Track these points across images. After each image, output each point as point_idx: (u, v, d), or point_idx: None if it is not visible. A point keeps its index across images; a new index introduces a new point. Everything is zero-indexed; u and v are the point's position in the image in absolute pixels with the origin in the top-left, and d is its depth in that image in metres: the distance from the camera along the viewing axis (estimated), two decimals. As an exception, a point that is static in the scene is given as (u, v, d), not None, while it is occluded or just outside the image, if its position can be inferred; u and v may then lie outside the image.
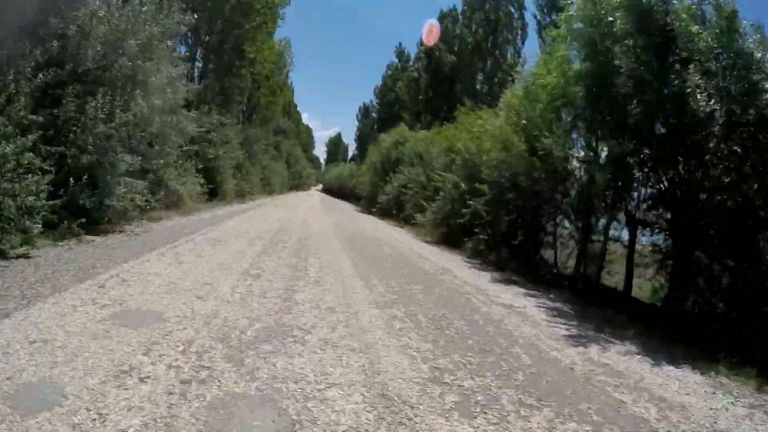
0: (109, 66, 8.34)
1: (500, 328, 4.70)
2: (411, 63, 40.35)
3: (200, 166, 15.09)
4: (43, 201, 6.11)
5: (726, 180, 6.22)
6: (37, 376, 2.58)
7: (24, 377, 2.55)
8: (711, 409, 3.37)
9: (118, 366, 2.80)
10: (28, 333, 3.15)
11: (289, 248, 7.97)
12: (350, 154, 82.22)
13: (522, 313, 5.55)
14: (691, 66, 6.48)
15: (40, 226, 6.08)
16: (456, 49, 30.60)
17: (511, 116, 9.35)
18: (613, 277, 9.23)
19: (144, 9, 8.83)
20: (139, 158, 8.85)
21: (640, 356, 4.45)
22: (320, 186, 68.46)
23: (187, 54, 20.81)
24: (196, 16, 17.08)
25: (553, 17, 22.64)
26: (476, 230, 10.70)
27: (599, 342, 4.78)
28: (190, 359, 2.95)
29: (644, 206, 7.93)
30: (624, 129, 7.70)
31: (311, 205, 26.47)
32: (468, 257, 10.39)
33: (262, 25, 23.67)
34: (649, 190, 7.90)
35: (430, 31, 32.84)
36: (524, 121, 9.19)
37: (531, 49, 35.27)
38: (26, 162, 6.14)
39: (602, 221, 8.71)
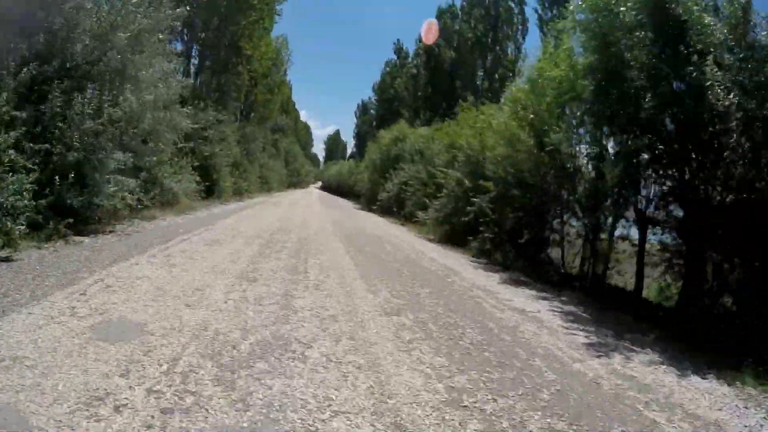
0: (97, 60, 7.97)
1: (517, 337, 4.36)
2: (410, 60, 39.93)
3: (196, 164, 14.71)
4: (27, 201, 5.76)
5: (745, 176, 5.99)
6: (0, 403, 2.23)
7: (-17, 405, 2.20)
8: (746, 426, 3.13)
9: (91, 391, 2.45)
10: (-4, 349, 2.80)
11: (288, 248, 7.61)
12: (349, 151, 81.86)
13: (537, 319, 5.22)
14: (709, 58, 6.28)
15: (24, 227, 5.73)
16: (455, 45, 30.22)
17: (519, 111, 8.98)
18: (622, 276, 8.90)
19: (133, 1, 8.44)
20: (131, 155, 8.48)
21: (665, 366, 4.18)
22: (319, 184, 68.20)
23: (183, 50, 20.49)
24: (188, 9, 16.79)
25: (555, 12, 22.42)
26: (481, 228, 10.39)
27: (621, 350, 4.50)
28: (173, 382, 2.58)
29: (653, 204, 7.66)
30: (636, 124, 7.39)
31: (310, 203, 26.10)
32: (473, 256, 10.06)
33: (259, 21, 23.28)
34: (659, 188, 7.60)
35: (428, 30, 32.54)
36: (532, 116, 8.83)
37: (531, 44, 34.95)
38: (8, 160, 5.81)
39: (611, 219, 8.38)
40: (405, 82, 37.66)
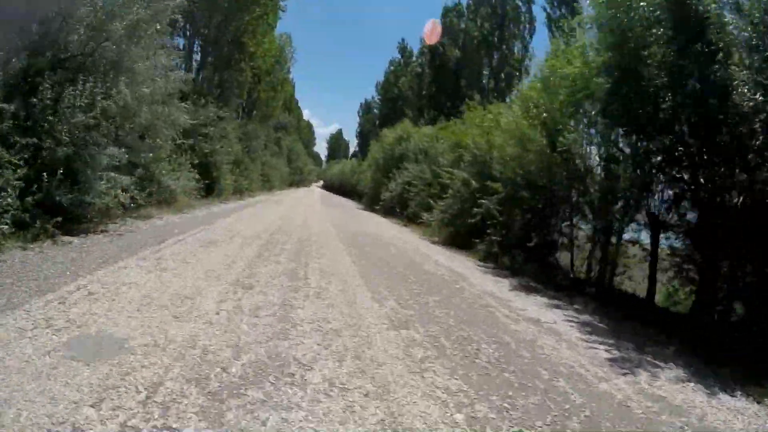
0: (92, 51, 7.62)
1: (536, 353, 4.00)
2: (414, 59, 39.62)
3: (196, 161, 14.33)
4: (11, 198, 5.42)
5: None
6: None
7: None
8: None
9: (57, 424, 2.09)
10: (-45, 370, 2.44)
11: (288, 251, 7.23)
12: (351, 150, 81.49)
13: (554, 331, 4.88)
14: (735, 56, 6.02)
15: (8, 226, 5.39)
16: (461, 43, 29.82)
17: (531, 109, 8.60)
18: (632, 281, 8.64)
19: (131, -11, 8.09)
20: (125, 151, 8.11)
21: (692, 384, 3.91)
22: (321, 182, 67.98)
23: (185, 46, 20.15)
24: (191, 3, 16.45)
25: (564, 11, 22.01)
26: (488, 231, 10.04)
27: (645, 366, 4.20)
28: (151, 415, 2.22)
29: (665, 207, 7.49)
30: (653, 124, 7.01)
31: (312, 202, 25.75)
32: (479, 260, 9.71)
33: (263, 16, 22.91)
34: (674, 191, 7.36)
35: (431, 31, 32.22)
36: (545, 114, 8.46)
37: (539, 44, 34.45)
38: (-9, 154, 5.47)
39: (620, 223, 8.16)
40: (409, 81, 37.36)
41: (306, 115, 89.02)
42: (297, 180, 49.74)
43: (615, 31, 7.51)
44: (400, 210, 18.64)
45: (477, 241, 10.35)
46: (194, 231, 8.19)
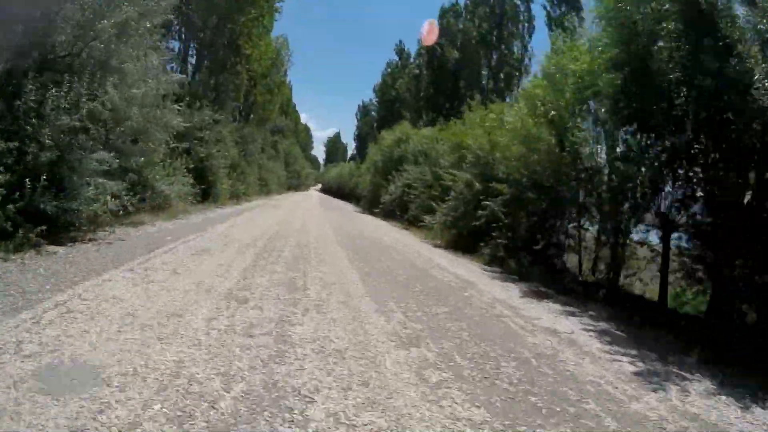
0: (79, 52, 7.27)
1: (558, 369, 3.66)
2: (411, 60, 39.31)
3: (191, 166, 14.00)
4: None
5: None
6: None
7: None
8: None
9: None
10: None
11: (285, 258, 6.86)
12: (349, 153, 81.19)
13: (573, 342, 4.54)
14: (752, 49, 5.77)
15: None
16: (459, 44, 29.54)
17: (538, 107, 8.28)
18: (641, 282, 8.42)
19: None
20: (115, 156, 7.75)
21: (723, 397, 3.67)
22: (319, 186, 67.71)
23: (180, 49, 19.84)
24: (187, 7, 16.14)
25: (564, 9, 21.78)
26: (493, 234, 9.71)
27: (672, 379, 3.93)
28: (122, 468, 1.85)
29: (677, 207, 7.27)
30: (666, 121, 6.77)
31: (310, 206, 25.37)
32: (485, 264, 9.38)
33: (258, 18, 22.63)
34: (688, 190, 7.16)
35: (429, 32, 32.00)
36: (553, 112, 8.14)
37: (538, 43, 34.12)
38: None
39: (629, 223, 7.92)
40: (407, 83, 37.04)
41: (303, 118, 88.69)
42: (295, 184, 49.38)
43: (625, 25, 7.28)
44: (400, 213, 18.32)
45: (482, 244, 10.02)
46: (187, 238, 7.82)
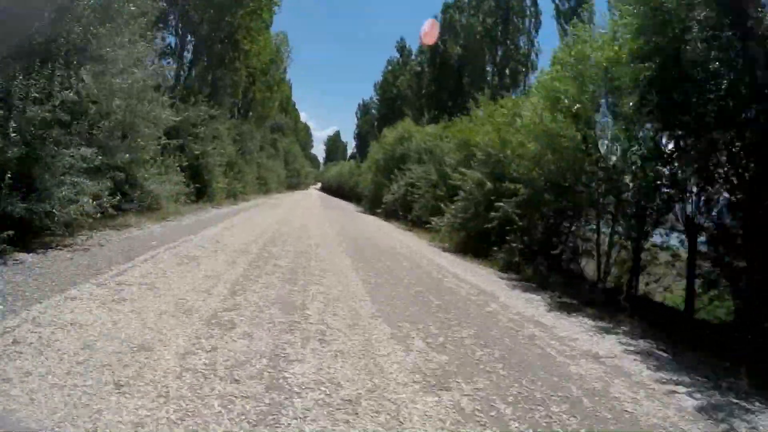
0: (55, 37, 6.54)
1: (615, 409, 3.07)
2: (413, 57, 38.57)
3: (185, 164, 13.24)
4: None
5: None
6: None
7: None
8: None
9: None
10: None
11: (283, 268, 6.10)
12: (349, 152, 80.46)
13: (619, 370, 3.92)
14: None
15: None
16: (462, 40, 28.77)
17: (561, 99, 7.57)
18: (664, 289, 7.98)
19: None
20: (97, 152, 7.03)
21: None
22: (319, 185, 67.14)
23: (177, 43, 19.11)
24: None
25: (573, 2, 21.04)
26: (507, 238, 9.02)
27: (736, 413, 3.49)
28: None
29: (704, 209, 6.87)
30: (706, 117, 6.16)
31: (310, 206, 24.65)
32: (500, 270, 8.70)
33: (257, 11, 21.88)
34: (712, 192, 6.72)
35: (428, 31, 31.31)
36: (578, 105, 7.44)
37: (545, 38, 33.24)
38: None
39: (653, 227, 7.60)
40: (408, 80, 36.34)
41: (303, 117, 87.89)
42: (294, 183, 48.72)
43: (656, 11, 6.66)
44: (403, 213, 17.65)
45: (495, 249, 9.32)
46: (174, 243, 7.07)
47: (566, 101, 7.47)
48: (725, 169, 6.42)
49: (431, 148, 17.20)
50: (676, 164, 7.02)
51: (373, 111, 52.78)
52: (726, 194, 6.55)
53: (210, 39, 19.79)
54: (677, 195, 6.96)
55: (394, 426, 2.35)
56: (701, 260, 6.64)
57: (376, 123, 44.92)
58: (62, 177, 6.30)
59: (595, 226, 8.80)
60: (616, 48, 7.20)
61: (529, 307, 5.79)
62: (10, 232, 5.30)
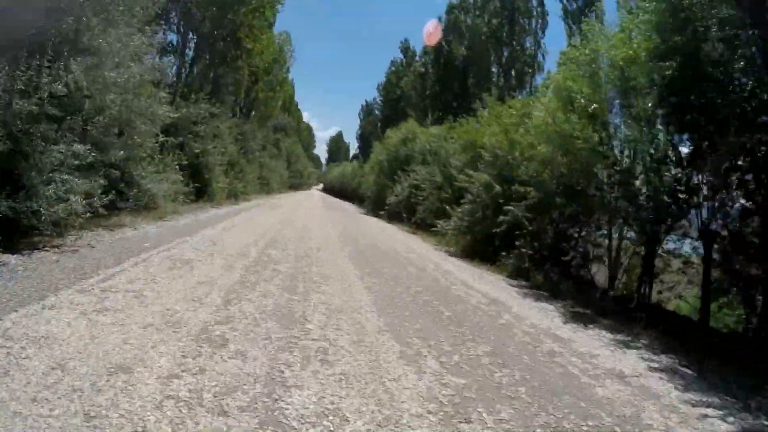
0: (45, 26, 6.21)
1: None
2: (417, 58, 38.23)
3: (184, 162, 12.92)
4: None
5: None
6: None
7: None
8: None
9: None
10: None
11: (282, 274, 5.74)
12: (352, 153, 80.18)
13: (647, 391, 3.61)
14: None
15: None
16: (467, 40, 28.40)
17: (577, 99, 7.23)
18: (678, 298, 7.81)
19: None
20: (90, 148, 6.71)
21: None
22: (321, 185, 66.89)
23: (179, 41, 18.81)
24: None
25: (580, 2, 20.69)
26: (517, 243, 8.67)
27: None
28: None
29: (720, 216, 6.53)
30: (729, 119, 5.91)
31: (311, 206, 24.30)
32: (509, 277, 8.35)
33: (259, 9, 21.58)
34: (727, 198, 6.51)
35: (431, 32, 31.10)
36: (595, 105, 7.10)
37: (551, 39, 32.77)
38: None
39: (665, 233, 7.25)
40: (412, 81, 35.99)
41: (305, 117, 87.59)
42: (297, 183, 48.45)
43: (677, 8, 6.38)
44: (406, 215, 17.30)
45: (503, 254, 8.97)
46: (168, 245, 6.71)
47: (582, 101, 7.10)
48: (741, 173, 6.17)
49: (436, 150, 16.88)
50: (692, 168, 6.74)
51: (376, 112, 52.54)
52: (742, 200, 6.34)
53: (212, 37, 19.53)
54: (693, 200, 6.66)
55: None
56: (720, 269, 6.38)
57: (379, 124, 44.64)
58: (51, 174, 5.99)
59: (606, 232, 8.50)
60: (635, 46, 6.88)
61: (543, 318, 5.43)
62: (-7, 233, 4.98)
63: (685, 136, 7.07)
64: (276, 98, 32.32)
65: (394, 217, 18.83)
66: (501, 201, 9.56)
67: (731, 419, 3.43)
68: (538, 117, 8.64)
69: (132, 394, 2.34)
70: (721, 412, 3.51)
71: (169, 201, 10.88)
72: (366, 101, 59.86)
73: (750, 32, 6.04)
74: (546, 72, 22.18)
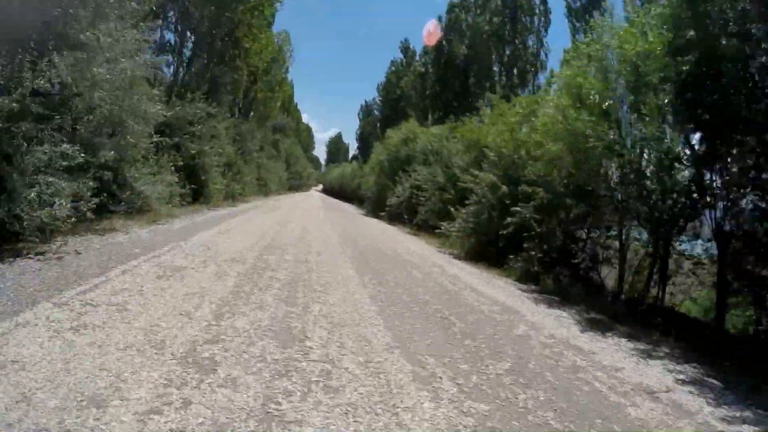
0: (28, 18, 5.86)
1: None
2: (417, 58, 37.92)
3: (180, 163, 12.57)
4: None
5: None
6: None
7: None
8: None
9: None
10: None
11: (280, 282, 5.35)
12: (351, 154, 79.90)
13: (678, 407, 3.36)
14: None
15: None
16: (468, 39, 28.06)
17: (591, 94, 6.91)
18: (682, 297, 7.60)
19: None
20: (78, 148, 6.36)
21: None
22: (320, 186, 66.61)
23: (176, 40, 18.48)
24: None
25: (584, 0, 20.36)
26: (525, 245, 8.36)
27: None
28: None
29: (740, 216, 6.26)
30: (743, 117, 5.71)
31: (310, 208, 23.94)
32: (517, 281, 8.04)
33: (258, 8, 21.26)
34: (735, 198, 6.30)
35: (430, 33, 30.86)
36: (609, 102, 6.79)
37: (554, 38, 32.36)
38: None
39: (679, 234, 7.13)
40: (412, 81, 35.71)
41: (305, 118, 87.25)
42: (296, 184, 48.07)
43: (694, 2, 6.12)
44: (408, 216, 16.96)
45: (510, 256, 8.64)
46: (160, 251, 6.35)
47: (596, 97, 6.77)
48: (757, 172, 5.97)
49: (438, 149, 16.54)
50: (706, 167, 6.52)
51: (375, 112, 52.25)
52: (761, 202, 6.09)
53: (210, 36, 19.23)
54: (707, 200, 6.46)
55: None
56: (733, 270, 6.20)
57: (378, 124, 44.36)
58: (35, 177, 5.64)
59: (616, 233, 8.20)
60: (650, 40, 6.58)
61: (559, 327, 5.09)
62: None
63: (700, 134, 6.81)
64: (275, 98, 32.01)
65: (395, 218, 18.50)
66: (507, 202, 9.25)
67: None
68: (547, 114, 8.29)
69: (101, 436, 1.98)
70: (757, 429, 3.30)
71: (163, 203, 10.52)
72: (365, 101, 59.65)
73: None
74: (549, 70, 21.91)
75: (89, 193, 6.59)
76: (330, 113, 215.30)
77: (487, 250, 9.84)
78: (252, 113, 28.81)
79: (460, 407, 2.72)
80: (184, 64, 18.66)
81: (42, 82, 5.36)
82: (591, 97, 6.89)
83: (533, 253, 8.25)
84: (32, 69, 5.39)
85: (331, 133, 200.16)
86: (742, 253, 6.10)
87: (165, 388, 2.47)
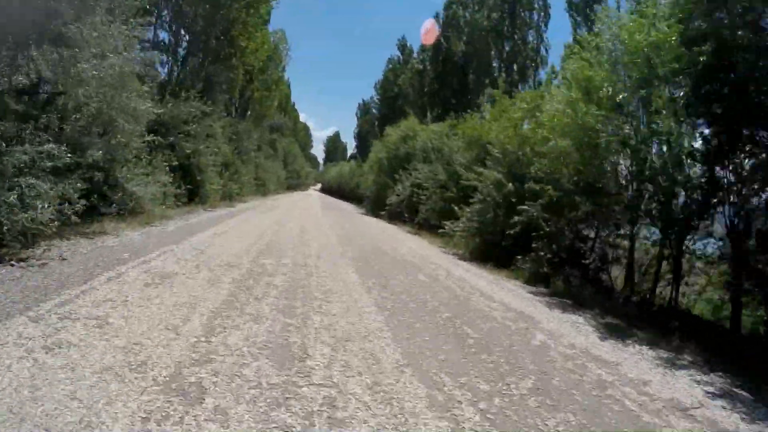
0: (10, 12, 5.51)
1: None
2: (415, 56, 37.64)
3: (175, 163, 12.23)
4: None
5: None
6: None
7: None
8: None
9: None
10: None
11: (277, 289, 5.00)
12: (349, 152, 79.55)
13: (713, 425, 3.12)
14: None
15: None
16: (465, 36, 27.73)
17: (603, 90, 6.61)
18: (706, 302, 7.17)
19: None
20: (65, 147, 6.03)
21: None
22: (319, 186, 66.36)
23: (170, 39, 18.14)
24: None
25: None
26: (534, 245, 8.03)
27: None
28: None
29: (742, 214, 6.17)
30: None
31: (309, 207, 23.61)
32: (526, 283, 7.73)
33: (253, 5, 20.92)
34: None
35: (428, 31, 30.58)
36: (623, 95, 6.48)
37: (554, 33, 32.02)
38: None
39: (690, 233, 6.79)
40: (410, 79, 35.45)
41: (302, 117, 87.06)
42: (294, 184, 47.78)
43: None
44: (408, 215, 16.63)
45: (518, 257, 8.32)
46: (151, 255, 5.99)
47: (608, 91, 6.46)
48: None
49: (439, 147, 16.23)
50: (721, 163, 6.27)
51: (373, 110, 51.96)
52: None
53: (205, 34, 18.93)
54: (722, 197, 6.27)
55: None
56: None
57: (376, 122, 44.12)
58: (15, 179, 5.29)
59: (627, 232, 7.90)
60: (666, 30, 6.30)
61: (578, 335, 4.77)
62: (-55, 246, 4.30)
63: (712, 129, 6.54)
64: (271, 97, 31.66)
65: (395, 217, 18.18)
66: (513, 200, 8.93)
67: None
68: (555, 109, 7.96)
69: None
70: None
71: (157, 204, 10.17)
72: (363, 100, 59.38)
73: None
74: (549, 66, 21.57)
75: (77, 195, 6.27)
76: (327, 112, 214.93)
77: (493, 251, 9.52)
78: (249, 112, 28.50)
79: (484, 437, 2.37)
80: (179, 63, 18.36)
81: (21, 78, 5.01)
82: (603, 91, 6.55)
83: (542, 253, 7.94)
84: (10, 65, 5.03)
85: (329, 131, 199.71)
86: (755, 252, 5.86)
87: (143, 422, 2.13)
